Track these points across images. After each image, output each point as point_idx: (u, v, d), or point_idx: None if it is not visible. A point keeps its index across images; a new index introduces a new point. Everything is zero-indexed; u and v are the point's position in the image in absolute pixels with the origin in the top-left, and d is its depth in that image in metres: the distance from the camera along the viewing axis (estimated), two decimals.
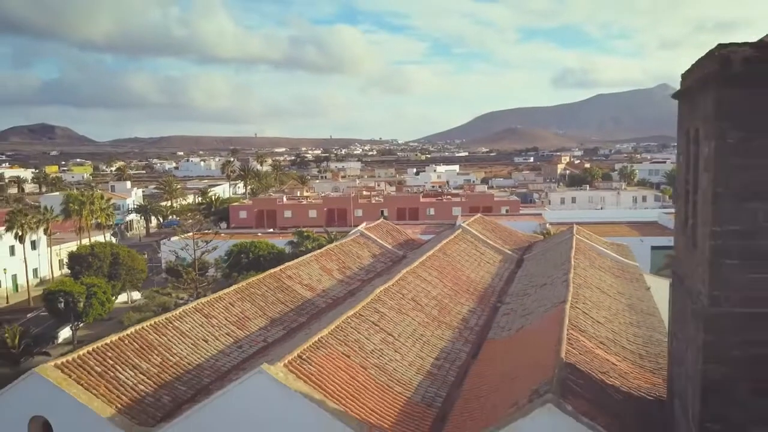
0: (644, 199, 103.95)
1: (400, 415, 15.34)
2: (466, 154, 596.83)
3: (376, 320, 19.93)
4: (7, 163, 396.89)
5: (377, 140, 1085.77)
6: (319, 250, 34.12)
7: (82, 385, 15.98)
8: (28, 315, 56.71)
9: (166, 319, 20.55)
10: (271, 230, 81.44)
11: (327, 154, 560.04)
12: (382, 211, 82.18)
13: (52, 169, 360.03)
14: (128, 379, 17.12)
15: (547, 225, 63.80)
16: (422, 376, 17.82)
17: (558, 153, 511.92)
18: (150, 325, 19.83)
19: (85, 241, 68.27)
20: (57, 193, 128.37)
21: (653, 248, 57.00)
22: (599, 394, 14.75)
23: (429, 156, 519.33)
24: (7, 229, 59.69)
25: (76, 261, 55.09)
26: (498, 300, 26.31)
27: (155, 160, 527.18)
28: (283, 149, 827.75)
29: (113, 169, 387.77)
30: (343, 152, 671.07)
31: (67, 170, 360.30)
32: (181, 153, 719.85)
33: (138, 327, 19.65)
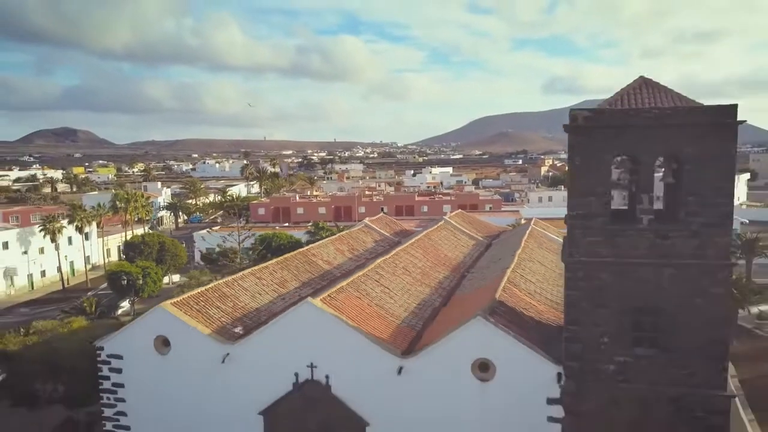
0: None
1: (391, 333, 22.75)
2: (461, 156, 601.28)
3: (377, 279, 27.30)
4: (37, 164, 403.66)
5: (378, 143, 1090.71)
6: (333, 236, 41.48)
7: (188, 315, 23.35)
8: (89, 293, 64.04)
9: (232, 279, 27.90)
10: (287, 224, 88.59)
11: (331, 157, 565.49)
12: (382, 208, 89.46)
13: (78, 170, 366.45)
14: (214, 314, 24.49)
15: (522, 220, 71.06)
16: (407, 313, 25.22)
17: (544, 156, 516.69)
18: (223, 282, 27.21)
19: (130, 234, 75.56)
20: (95, 192, 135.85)
21: None
22: (517, 318, 22.11)
23: (426, 158, 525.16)
24: (69, 222, 66.98)
25: (130, 248, 62.50)
26: (466, 271, 33.65)
27: (172, 162, 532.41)
28: (291, 152, 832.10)
29: (135, 170, 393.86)
30: (346, 154, 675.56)
31: (92, 171, 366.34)
32: (196, 155, 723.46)
33: (215, 283, 27.05)
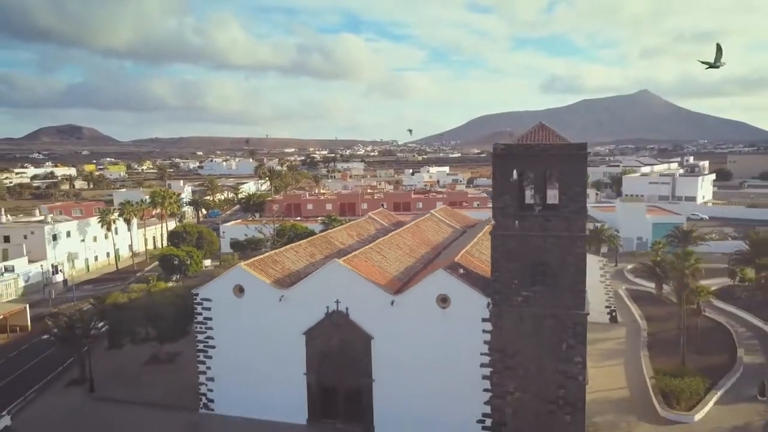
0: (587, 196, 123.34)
1: (387, 281, 35.34)
2: (459, 155, 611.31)
3: (378, 251, 39.85)
4: (49, 162, 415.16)
5: (378, 141, 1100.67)
6: (344, 225, 54.00)
7: (257, 271, 35.87)
8: (137, 274, 76.61)
9: (276, 252, 40.45)
10: (299, 218, 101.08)
11: (333, 155, 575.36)
12: (382, 204, 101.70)
13: (89, 168, 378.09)
14: (271, 272, 36.99)
15: None
16: (398, 272, 37.78)
17: None
18: (273, 253, 39.76)
19: (166, 226, 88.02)
20: (123, 189, 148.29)
21: None
22: (467, 272, 34.58)
23: (425, 157, 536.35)
24: (120, 215, 79.55)
25: (174, 236, 75.15)
26: (443, 249, 46.16)
27: (177, 159, 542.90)
28: (293, 150, 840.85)
29: (144, 167, 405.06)
30: (347, 152, 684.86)
31: (103, 168, 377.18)
32: (200, 153, 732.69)
33: (268, 254, 39.58)
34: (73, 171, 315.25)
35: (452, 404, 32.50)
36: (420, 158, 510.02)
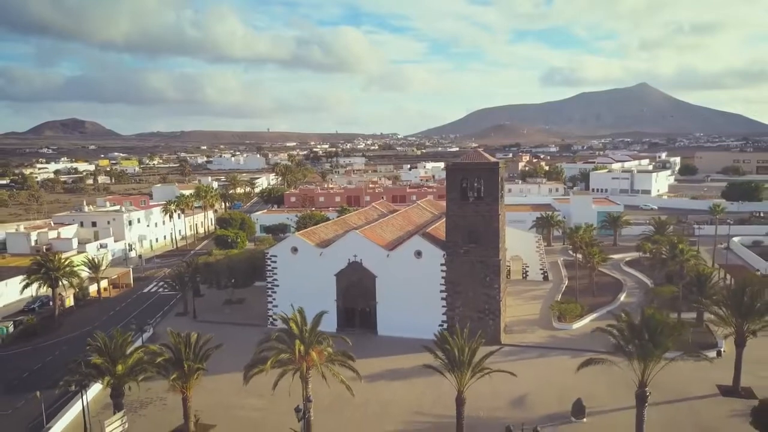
0: (556, 190, 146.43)
1: (385, 243, 58.49)
2: (457, 149, 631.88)
3: (379, 226, 63.03)
4: (65, 157, 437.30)
5: (378, 135, 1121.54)
6: (354, 212, 76.96)
7: (303, 237, 58.92)
8: (191, 252, 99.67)
9: (314, 228, 63.50)
10: (313, 209, 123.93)
11: (334, 149, 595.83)
12: (382, 197, 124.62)
13: (103, 163, 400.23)
14: (312, 238, 60.01)
15: None
16: (393, 239, 60.96)
17: (537, 148, 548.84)
18: (311, 228, 62.84)
19: (206, 215, 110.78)
20: (159, 185, 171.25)
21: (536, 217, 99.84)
22: (435, 238, 57.57)
23: (424, 151, 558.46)
24: (177, 206, 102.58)
25: (222, 221, 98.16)
26: (423, 226, 69.16)
27: (183, 154, 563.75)
28: (294, 143, 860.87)
29: (154, 162, 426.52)
30: (348, 146, 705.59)
31: (117, 163, 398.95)
32: (204, 147, 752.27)
33: (310, 228, 62.65)
34: (91, 167, 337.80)
35: (423, 315, 55.55)
36: (419, 152, 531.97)
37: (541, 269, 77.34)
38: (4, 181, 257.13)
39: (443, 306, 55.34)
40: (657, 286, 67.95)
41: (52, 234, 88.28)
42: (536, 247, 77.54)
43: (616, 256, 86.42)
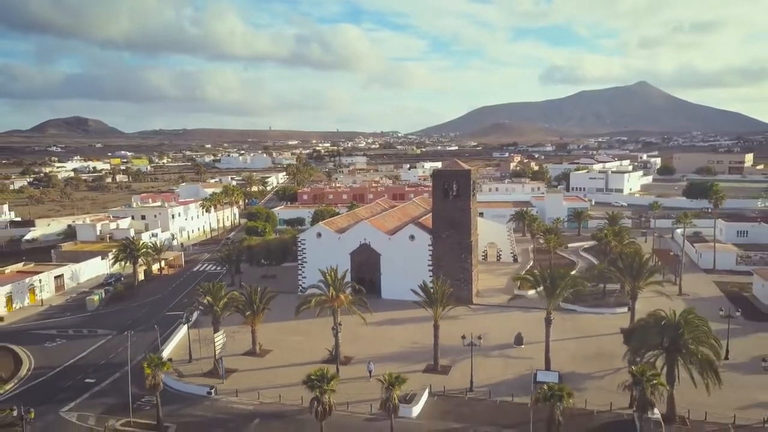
0: (538, 188, 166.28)
1: (387, 230, 78.47)
2: (457, 148, 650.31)
3: (383, 218, 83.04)
4: (78, 156, 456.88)
5: (379, 133, 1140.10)
6: (361, 207, 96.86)
7: (325, 226, 78.83)
8: (222, 241, 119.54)
9: (333, 218, 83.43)
10: (323, 204, 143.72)
11: (336, 147, 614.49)
12: (384, 195, 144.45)
13: (115, 161, 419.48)
14: (332, 227, 79.90)
15: None
16: (393, 227, 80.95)
17: (534, 148, 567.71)
18: (328, 220, 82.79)
19: (232, 210, 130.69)
20: (183, 183, 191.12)
21: (513, 212, 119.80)
22: (425, 226, 77.46)
23: (424, 150, 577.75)
24: (211, 203, 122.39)
25: (250, 215, 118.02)
26: (417, 218, 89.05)
27: (188, 152, 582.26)
28: (296, 142, 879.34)
29: (164, 161, 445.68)
30: (349, 145, 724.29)
31: (128, 162, 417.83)
32: (208, 146, 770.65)
33: (330, 219, 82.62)
34: (106, 165, 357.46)
35: (415, 282, 74.99)
36: (419, 151, 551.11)
37: (511, 253, 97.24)
38: (26, 180, 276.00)
39: (430, 276, 75.06)
40: (599, 264, 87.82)
41: (113, 225, 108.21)
42: (507, 235, 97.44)
43: (576, 244, 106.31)
